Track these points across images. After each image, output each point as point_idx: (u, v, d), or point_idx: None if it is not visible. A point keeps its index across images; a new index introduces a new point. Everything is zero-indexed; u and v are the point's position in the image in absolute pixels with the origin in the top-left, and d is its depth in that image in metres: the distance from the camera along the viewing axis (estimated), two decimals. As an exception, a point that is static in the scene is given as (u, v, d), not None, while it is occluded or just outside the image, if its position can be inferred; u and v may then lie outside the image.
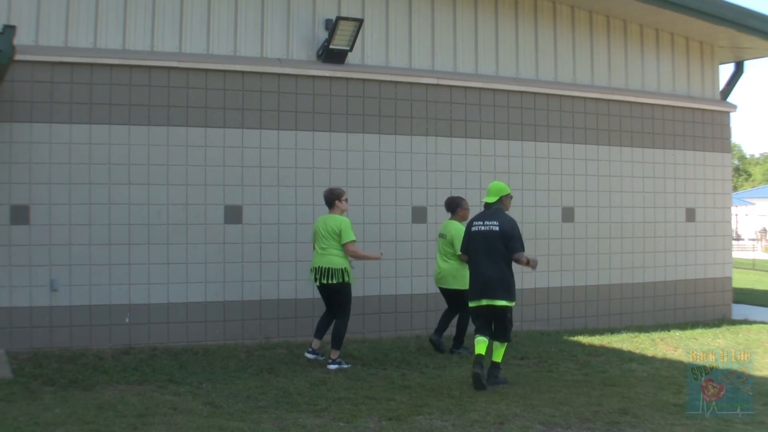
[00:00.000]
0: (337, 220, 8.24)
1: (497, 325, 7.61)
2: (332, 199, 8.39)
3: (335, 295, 8.27)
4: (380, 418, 6.16)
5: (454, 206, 9.12)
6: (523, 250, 7.59)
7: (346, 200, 8.47)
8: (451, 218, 9.12)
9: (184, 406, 6.39)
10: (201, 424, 5.85)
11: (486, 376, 7.38)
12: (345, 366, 8.09)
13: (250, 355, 8.52)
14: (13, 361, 7.76)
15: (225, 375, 7.62)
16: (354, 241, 8.20)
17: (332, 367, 8.05)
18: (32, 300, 8.43)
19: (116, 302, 8.71)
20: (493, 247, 7.53)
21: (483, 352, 7.42)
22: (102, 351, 8.35)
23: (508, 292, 7.54)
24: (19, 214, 8.42)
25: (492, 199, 7.71)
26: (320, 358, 8.33)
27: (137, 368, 7.71)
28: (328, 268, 8.15)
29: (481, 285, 7.58)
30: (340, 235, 8.15)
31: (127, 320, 8.76)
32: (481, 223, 7.67)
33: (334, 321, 8.30)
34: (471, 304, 7.69)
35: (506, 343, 7.61)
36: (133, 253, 8.79)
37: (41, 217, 8.48)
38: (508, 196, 7.82)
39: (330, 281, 8.13)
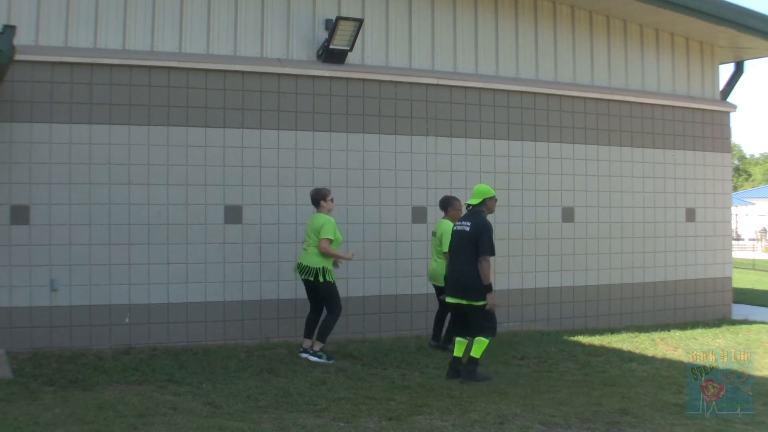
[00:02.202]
0: (321, 219, 8.43)
1: (467, 322, 7.78)
2: (317, 199, 8.61)
3: (317, 292, 8.50)
4: (380, 418, 6.16)
5: (446, 205, 9.27)
6: (492, 254, 7.62)
7: (332, 200, 8.63)
8: (444, 217, 9.24)
9: (184, 406, 6.39)
10: (201, 424, 5.84)
11: (460, 373, 7.66)
12: (327, 362, 8.21)
13: (250, 355, 8.52)
14: (13, 361, 7.76)
15: (225, 375, 7.62)
16: (330, 239, 8.33)
17: (312, 358, 8.27)
18: (32, 300, 8.43)
19: (116, 302, 8.71)
20: (463, 247, 7.77)
21: (459, 354, 7.77)
22: (102, 351, 8.35)
23: (472, 291, 7.63)
24: (19, 214, 8.42)
25: (474, 201, 7.91)
26: (329, 362, 8.36)
27: (137, 368, 7.71)
28: (307, 265, 8.43)
29: (450, 282, 7.98)
30: (319, 232, 8.35)
31: (127, 320, 8.76)
32: (460, 223, 7.99)
33: (324, 316, 8.50)
34: (446, 300, 8.10)
35: (484, 340, 7.61)
36: (133, 253, 8.79)
37: (41, 217, 8.48)
38: (492, 199, 7.93)
39: (309, 278, 8.42)
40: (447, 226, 8.91)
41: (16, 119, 8.45)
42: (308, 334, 8.61)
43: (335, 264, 8.58)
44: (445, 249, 8.67)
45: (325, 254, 8.36)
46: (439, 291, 9.10)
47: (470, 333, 7.78)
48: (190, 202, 9.07)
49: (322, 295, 8.49)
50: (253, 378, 7.53)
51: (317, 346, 8.37)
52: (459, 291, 7.76)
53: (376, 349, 8.97)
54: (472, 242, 7.64)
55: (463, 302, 7.72)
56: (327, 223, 8.38)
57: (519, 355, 8.92)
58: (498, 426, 6.06)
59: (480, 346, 7.61)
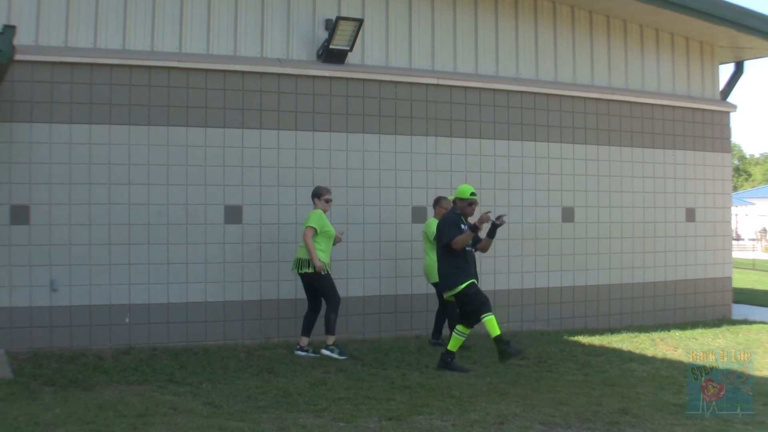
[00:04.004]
0: (309, 213, 8.67)
1: (461, 311, 8.21)
2: (313, 196, 8.83)
3: (312, 284, 8.64)
4: (380, 418, 6.16)
5: (434, 204, 9.52)
6: (448, 241, 7.86)
7: (327, 201, 8.78)
8: (433, 216, 9.44)
9: (184, 406, 6.39)
10: (201, 424, 5.84)
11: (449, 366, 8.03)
12: (339, 357, 8.32)
13: (250, 355, 8.52)
14: (13, 361, 7.75)
15: (225, 375, 7.62)
16: (313, 228, 8.47)
17: (325, 351, 8.43)
18: (32, 300, 8.42)
19: (116, 302, 8.71)
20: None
21: (452, 348, 8.09)
22: (102, 351, 8.35)
23: (442, 283, 8.13)
24: (19, 214, 8.42)
25: (451, 198, 8.32)
26: (312, 354, 8.53)
27: (137, 368, 7.71)
28: (299, 258, 8.63)
29: None
30: (305, 223, 8.59)
31: (127, 320, 8.76)
32: None
33: (325, 310, 8.63)
34: None
35: (487, 317, 7.76)
36: (133, 253, 8.79)
37: (41, 217, 8.48)
38: (463, 200, 8.06)
39: (300, 270, 8.60)
40: (430, 223, 9.26)
41: (16, 119, 8.45)
42: (305, 332, 8.71)
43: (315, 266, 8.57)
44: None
45: (305, 243, 8.48)
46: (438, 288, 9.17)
47: (469, 321, 8.04)
48: (190, 202, 9.07)
49: (316, 285, 8.61)
50: (253, 378, 7.52)
51: (330, 340, 8.52)
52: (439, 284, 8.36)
53: (376, 349, 8.97)
54: (438, 238, 8.05)
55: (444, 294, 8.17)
56: (312, 214, 8.61)
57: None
58: (498, 426, 6.06)
59: (488, 324, 7.75)
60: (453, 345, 8.09)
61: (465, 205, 8.08)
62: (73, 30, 8.65)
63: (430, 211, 10.01)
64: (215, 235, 9.17)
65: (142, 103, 8.89)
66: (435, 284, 9.24)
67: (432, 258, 9.06)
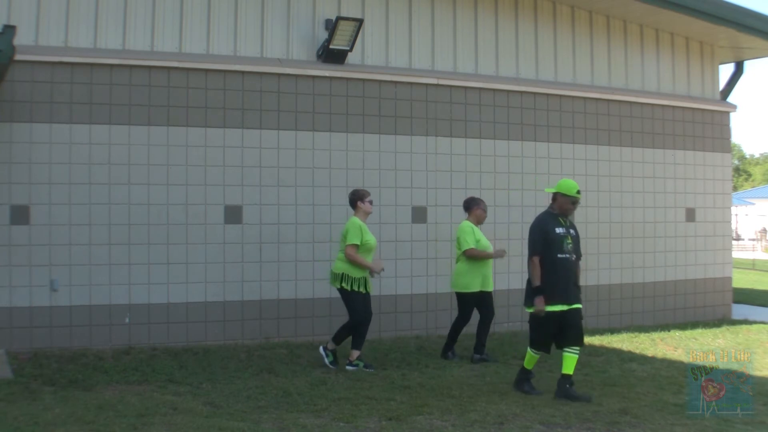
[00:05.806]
0: (347, 224, 8.12)
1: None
2: (354, 200, 8.27)
3: (342, 298, 8.18)
4: (380, 418, 6.16)
5: (470, 205, 8.91)
6: (533, 253, 7.06)
7: (371, 202, 8.27)
8: (467, 218, 8.90)
9: (184, 406, 6.39)
10: (201, 424, 5.85)
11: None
12: (327, 364, 8.02)
13: (250, 355, 8.53)
14: (13, 361, 7.76)
15: (225, 375, 7.62)
16: (355, 245, 7.94)
17: (321, 350, 8.22)
18: (32, 300, 8.43)
19: (116, 302, 8.71)
20: None
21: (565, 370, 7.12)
22: (102, 351, 8.35)
23: (525, 295, 7.26)
24: (19, 214, 8.42)
25: (549, 190, 7.44)
26: (367, 369, 8.05)
27: (137, 368, 7.71)
28: (332, 271, 8.18)
29: None
30: (345, 238, 8.05)
31: (127, 320, 8.76)
32: None
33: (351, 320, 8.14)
34: None
35: (529, 349, 7.21)
36: (133, 253, 8.79)
37: (41, 217, 8.48)
38: (564, 196, 7.14)
39: (335, 285, 8.15)
40: (461, 228, 8.73)
41: (16, 119, 8.45)
42: (355, 345, 8.21)
43: (371, 274, 8.16)
44: (461, 249, 8.59)
45: (351, 262, 7.99)
46: (462, 299, 8.74)
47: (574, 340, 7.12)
48: (190, 202, 9.07)
49: (343, 301, 8.13)
50: (253, 378, 7.53)
51: (330, 345, 8.17)
52: None
53: (376, 349, 8.97)
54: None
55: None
56: (351, 227, 7.99)
57: (519, 355, 8.89)
58: (498, 426, 6.06)
59: (530, 355, 7.23)
60: (568, 367, 7.03)
61: (567, 203, 7.11)
62: (73, 30, 8.65)
63: (431, 211, 10.03)
64: (215, 235, 9.17)
65: (142, 103, 8.89)
66: (457, 294, 8.75)
67: (459, 266, 8.67)
